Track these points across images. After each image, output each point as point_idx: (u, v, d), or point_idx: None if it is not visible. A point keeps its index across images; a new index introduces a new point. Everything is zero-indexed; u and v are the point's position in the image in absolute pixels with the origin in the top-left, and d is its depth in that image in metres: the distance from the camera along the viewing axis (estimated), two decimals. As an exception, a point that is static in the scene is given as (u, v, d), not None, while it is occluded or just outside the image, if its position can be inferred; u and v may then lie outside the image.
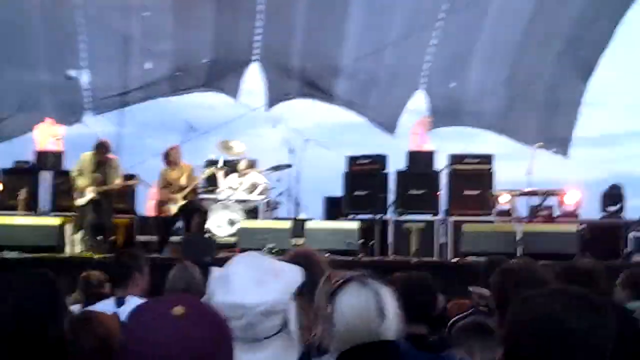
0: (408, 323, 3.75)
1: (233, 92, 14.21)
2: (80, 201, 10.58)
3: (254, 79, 14.14)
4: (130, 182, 11.34)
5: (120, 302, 4.67)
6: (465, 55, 13.53)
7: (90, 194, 10.51)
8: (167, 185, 11.09)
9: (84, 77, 13.70)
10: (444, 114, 13.86)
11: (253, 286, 2.17)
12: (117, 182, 10.79)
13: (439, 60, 13.54)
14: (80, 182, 10.63)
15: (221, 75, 14.06)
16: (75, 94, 13.79)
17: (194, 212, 11.11)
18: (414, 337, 3.65)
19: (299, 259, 3.83)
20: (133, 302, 4.64)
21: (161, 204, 11.18)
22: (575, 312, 1.96)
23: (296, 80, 13.99)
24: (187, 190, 11.04)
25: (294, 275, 2.31)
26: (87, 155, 10.81)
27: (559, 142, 13.59)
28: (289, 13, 13.35)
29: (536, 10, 12.78)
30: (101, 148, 10.74)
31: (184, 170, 11.20)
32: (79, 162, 10.86)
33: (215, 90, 14.29)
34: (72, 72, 13.56)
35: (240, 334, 2.00)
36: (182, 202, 11.00)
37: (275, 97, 14.08)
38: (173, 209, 11.00)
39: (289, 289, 2.24)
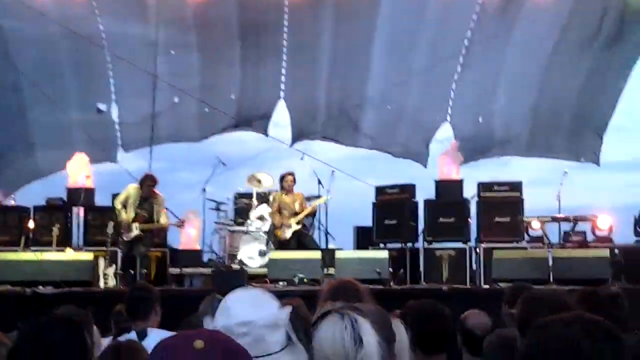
0: (428, 354, 3.76)
1: (262, 129, 14.37)
2: (126, 237, 10.60)
3: (281, 112, 14.29)
4: (176, 224, 11.42)
5: (142, 335, 4.68)
6: (490, 84, 13.56)
7: (136, 231, 10.54)
8: (280, 210, 11.43)
9: (114, 111, 13.91)
10: (472, 149, 13.84)
11: (251, 306, 2.29)
12: (163, 221, 10.83)
13: (464, 92, 13.59)
14: (124, 215, 10.65)
15: (249, 113, 14.21)
16: (107, 129, 14.01)
17: (304, 237, 11.56)
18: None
19: (341, 288, 3.85)
20: (154, 334, 4.69)
21: (274, 227, 11.54)
22: (591, 339, 1.98)
23: (321, 118, 14.10)
24: (301, 216, 11.42)
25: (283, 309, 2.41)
26: (133, 188, 10.78)
27: (589, 151, 13.56)
28: (313, 50, 13.51)
29: (560, 38, 12.82)
30: (148, 182, 10.71)
31: (296, 197, 11.59)
32: (124, 193, 10.81)
33: (245, 129, 14.43)
34: (102, 106, 13.78)
35: (251, 352, 2.06)
36: (296, 227, 11.36)
37: (300, 135, 14.21)
38: (287, 233, 11.30)
39: (283, 309, 2.35)
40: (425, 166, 14.20)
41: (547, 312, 2.99)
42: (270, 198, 11.90)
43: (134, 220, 10.58)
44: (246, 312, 2.27)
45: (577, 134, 13.59)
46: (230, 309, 2.30)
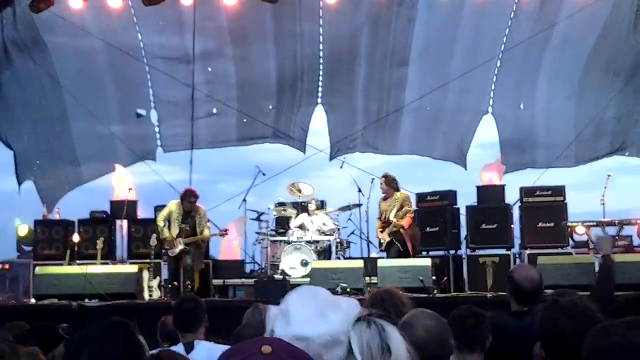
0: (464, 352, 3.74)
1: (301, 145, 14.40)
2: (172, 253, 10.66)
3: (320, 120, 14.31)
4: (220, 234, 11.43)
5: (189, 348, 4.69)
6: (531, 79, 13.48)
7: (180, 246, 10.60)
8: (381, 215, 10.90)
9: (153, 116, 14.09)
10: (515, 147, 13.79)
11: (314, 318, 2.19)
12: (206, 233, 10.85)
13: (505, 83, 13.53)
14: (167, 233, 10.67)
15: (287, 126, 14.26)
16: (146, 129, 14.21)
17: (392, 248, 10.78)
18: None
19: (382, 297, 3.82)
20: (202, 346, 4.70)
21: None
22: None
23: (359, 128, 14.08)
24: (390, 227, 10.61)
25: (352, 307, 2.32)
26: (175, 204, 10.76)
27: (635, 146, 13.38)
28: (350, 56, 13.51)
29: (599, 38, 12.67)
30: (189, 197, 10.67)
31: (396, 201, 10.76)
32: (164, 211, 10.83)
33: (284, 143, 14.47)
34: (142, 111, 13.97)
35: None
36: (387, 239, 10.68)
37: (339, 149, 14.20)
38: (384, 238, 10.73)
39: (349, 319, 2.26)
40: (465, 168, 14.14)
41: (567, 319, 2.99)
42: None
43: (178, 236, 10.62)
44: (308, 324, 2.17)
45: (620, 130, 13.39)
46: (292, 318, 2.20)
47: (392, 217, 10.63)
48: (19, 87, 13.19)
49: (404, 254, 10.64)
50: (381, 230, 10.79)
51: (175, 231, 10.60)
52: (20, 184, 13.58)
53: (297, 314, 2.18)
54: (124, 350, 2.53)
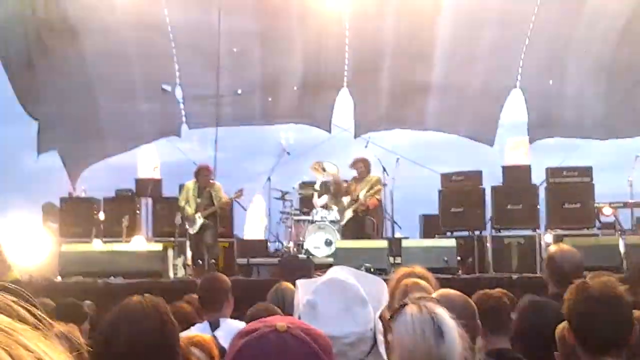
0: (489, 336, 3.74)
1: (325, 123, 14.39)
2: (191, 230, 10.79)
3: (345, 100, 14.25)
4: (235, 196, 11.38)
5: (214, 326, 4.70)
6: (560, 54, 13.32)
7: (200, 221, 10.71)
8: (350, 194, 11.41)
9: (178, 92, 14.13)
10: (543, 120, 13.69)
11: (342, 315, 2.15)
12: (221, 200, 10.95)
13: (533, 59, 13.38)
14: (188, 209, 10.85)
15: (312, 106, 14.23)
16: (171, 105, 14.26)
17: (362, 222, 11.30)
18: (496, 353, 3.67)
19: (410, 277, 3.79)
20: (227, 324, 4.70)
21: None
22: None
23: (385, 107, 14.03)
24: (356, 205, 11.21)
25: (379, 290, 2.29)
26: (190, 183, 11.03)
27: None
28: (376, 37, 13.40)
29: (633, 11, 12.46)
30: (203, 172, 10.94)
31: (367, 182, 11.36)
32: (183, 191, 11.10)
33: (308, 123, 14.47)
34: (167, 86, 14.02)
35: None
36: (351, 215, 11.21)
37: (364, 127, 14.17)
38: (345, 218, 11.29)
39: (377, 309, 2.22)
40: (491, 145, 14.05)
41: (595, 301, 2.93)
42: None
43: (196, 212, 10.75)
44: (335, 322, 2.12)
45: None
46: (319, 313, 2.16)
47: (361, 196, 10.95)
48: (47, 63, 13.23)
49: (362, 233, 11.14)
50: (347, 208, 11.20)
51: (193, 207, 10.77)
52: (39, 152, 13.53)
53: (324, 310, 2.14)
54: (161, 331, 2.54)
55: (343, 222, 11.19)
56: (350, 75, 13.95)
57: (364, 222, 11.19)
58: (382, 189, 11.43)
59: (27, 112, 13.32)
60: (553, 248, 4.92)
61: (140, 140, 14.18)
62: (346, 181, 12.58)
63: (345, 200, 11.82)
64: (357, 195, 11.08)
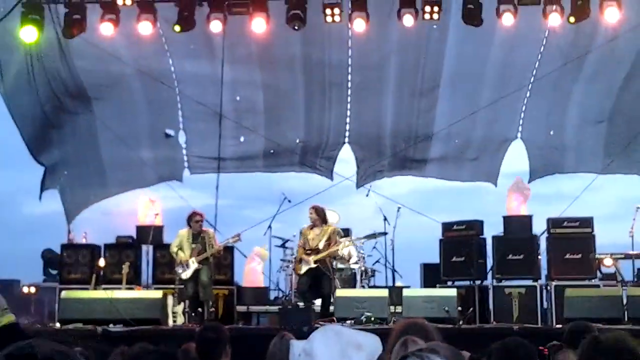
0: None
1: (327, 172, 14.48)
2: (184, 275, 10.76)
3: (346, 150, 14.34)
4: (233, 240, 11.24)
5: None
6: (560, 106, 13.45)
7: (193, 265, 10.69)
8: (305, 244, 10.88)
9: (181, 137, 14.23)
10: (543, 168, 13.84)
11: (340, 357, 2.16)
12: (216, 247, 10.90)
13: (534, 111, 13.52)
14: (182, 255, 10.85)
15: (314, 157, 14.34)
16: (174, 150, 14.38)
17: (321, 277, 10.75)
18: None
19: (411, 328, 3.79)
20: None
21: (297, 261, 11.01)
22: None
23: (387, 158, 14.14)
24: (320, 255, 10.68)
25: (374, 345, 2.30)
26: (184, 231, 11.05)
27: None
28: (379, 87, 13.51)
29: (633, 64, 12.60)
30: (194, 218, 10.94)
31: (325, 232, 10.87)
32: (177, 238, 11.11)
33: (310, 171, 14.55)
34: (170, 131, 14.12)
35: None
36: (313, 266, 10.70)
37: (366, 176, 14.25)
38: (303, 268, 10.76)
39: (372, 358, 2.23)
40: (495, 185, 14.16)
41: (607, 356, 2.91)
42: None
43: (190, 256, 10.76)
44: None
45: None
46: (315, 357, 2.17)
47: (321, 246, 10.65)
48: (59, 116, 13.41)
49: (328, 283, 10.73)
50: (306, 255, 10.73)
51: (188, 252, 10.76)
52: (42, 190, 13.62)
53: (320, 355, 2.15)
54: None
55: (301, 272, 10.83)
56: (353, 130, 14.04)
57: (322, 278, 10.76)
58: (338, 241, 10.98)
59: (36, 159, 13.45)
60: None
61: (142, 183, 14.27)
62: (346, 230, 12.58)
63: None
64: (317, 246, 10.72)
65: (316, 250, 10.69)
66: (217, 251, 10.92)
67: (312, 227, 10.89)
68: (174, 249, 10.98)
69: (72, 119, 13.66)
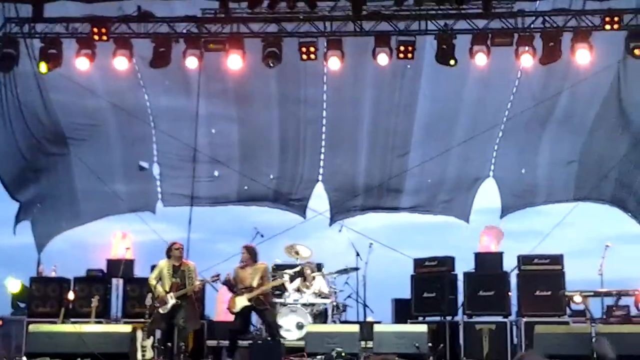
0: None
1: (300, 209, 14.54)
2: (162, 310, 10.62)
3: (319, 186, 14.42)
4: (212, 279, 11.16)
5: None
6: (533, 145, 13.65)
7: (171, 301, 10.57)
8: (237, 282, 10.86)
9: (155, 170, 14.23)
10: (515, 200, 14.14)
11: None
12: (196, 284, 10.83)
13: (507, 150, 13.70)
14: (160, 289, 10.67)
15: (288, 195, 14.39)
16: (147, 182, 14.44)
17: (260, 312, 10.89)
18: None
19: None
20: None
21: (231, 300, 10.94)
22: None
23: (360, 195, 14.26)
24: (255, 293, 10.74)
25: None
26: (164, 262, 10.83)
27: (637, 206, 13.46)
28: (353, 124, 13.65)
29: (603, 104, 12.83)
30: (173, 247, 10.75)
31: (257, 270, 10.92)
32: (156, 270, 10.89)
33: (283, 208, 14.61)
34: (144, 164, 14.13)
35: None
36: (247, 304, 10.74)
37: (339, 214, 14.34)
38: (238, 305, 10.76)
39: None
40: (467, 221, 14.31)
41: None
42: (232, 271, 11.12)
43: (169, 290, 10.61)
44: None
45: (625, 186, 13.48)
46: None
47: (254, 284, 10.69)
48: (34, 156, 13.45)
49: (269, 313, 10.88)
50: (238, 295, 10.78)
51: (167, 286, 10.60)
52: (16, 223, 13.66)
53: None
54: None
55: (236, 309, 10.82)
56: (327, 170, 14.11)
57: (262, 312, 10.86)
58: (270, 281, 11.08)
59: (13, 198, 13.44)
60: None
61: (114, 211, 14.26)
62: (319, 264, 12.59)
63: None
64: (250, 285, 10.73)
65: (249, 289, 10.71)
66: (196, 288, 10.86)
67: (244, 267, 10.87)
68: (152, 281, 10.77)
69: (49, 160, 13.76)
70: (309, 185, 14.40)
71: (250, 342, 10.90)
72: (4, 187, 13.19)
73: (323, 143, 13.96)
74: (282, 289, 12.14)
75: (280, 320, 11.47)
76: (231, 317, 10.99)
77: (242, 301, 10.70)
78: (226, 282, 10.92)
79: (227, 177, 14.35)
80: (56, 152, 13.73)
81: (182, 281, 10.65)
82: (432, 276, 12.11)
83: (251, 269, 10.85)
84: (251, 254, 10.93)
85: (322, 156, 14.14)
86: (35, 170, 13.57)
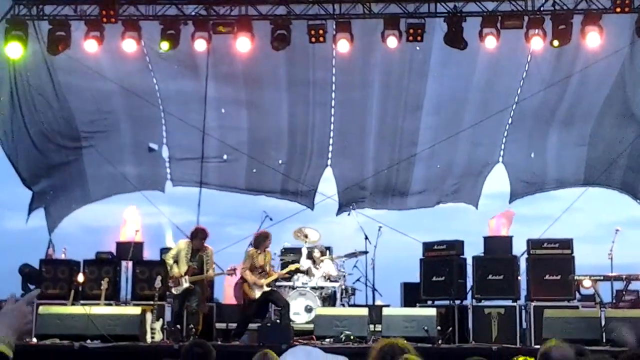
0: None
1: (309, 200, 14.51)
2: (175, 290, 10.68)
3: (329, 170, 14.37)
4: (228, 272, 11.27)
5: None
6: (542, 129, 13.56)
7: (185, 284, 10.62)
8: (254, 268, 11.01)
9: (164, 152, 14.23)
10: (525, 186, 14.04)
11: None
12: (211, 273, 10.88)
13: (516, 134, 13.62)
14: (176, 270, 10.74)
15: (296, 181, 14.36)
16: (157, 162, 14.43)
17: (276, 302, 11.12)
18: None
19: (390, 350, 3.81)
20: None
21: (246, 285, 11.04)
22: None
23: (369, 186, 14.20)
24: (272, 278, 11.01)
25: None
26: (184, 243, 10.91)
27: None
28: (362, 107, 13.57)
29: (613, 87, 12.73)
30: (199, 235, 10.82)
31: (268, 257, 11.18)
32: (175, 248, 10.95)
33: (291, 199, 14.56)
34: (154, 145, 14.14)
35: None
36: (267, 289, 10.94)
37: (346, 204, 14.29)
38: (257, 293, 10.92)
39: None
40: (476, 207, 14.21)
41: None
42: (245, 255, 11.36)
43: (185, 274, 10.66)
44: None
45: (635, 172, 13.42)
46: None
47: (267, 269, 10.99)
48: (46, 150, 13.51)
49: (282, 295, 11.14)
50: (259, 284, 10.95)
51: (183, 268, 10.68)
52: (30, 212, 13.77)
53: None
54: None
55: (256, 296, 11.02)
56: (335, 155, 14.08)
57: (274, 295, 11.16)
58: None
59: (29, 188, 13.58)
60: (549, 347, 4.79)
61: (123, 189, 14.27)
62: (328, 248, 12.59)
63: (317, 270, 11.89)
64: (269, 270, 11.14)
65: (268, 274, 10.95)
66: (211, 277, 10.96)
67: (260, 253, 11.09)
68: (169, 260, 10.81)
69: (62, 153, 13.78)
70: (317, 170, 14.33)
71: (259, 324, 10.93)
72: (20, 179, 13.26)
73: (332, 127, 13.89)
74: (291, 272, 12.15)
75: (289, 303, 11.49)
76: (240, 300, 11.05)
77: (263, 288, 10.90)
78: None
79: (236, 161, 14.31)
80: (69, 145, 13.75)
81: (199, 266, 10.70)
82: (441, 260, 12.08)
83: (267, 254, 11.11)
84: (268, 241, 11.17)
85: (330, 140, 14.07)
86: (49, 164, 13.64)
